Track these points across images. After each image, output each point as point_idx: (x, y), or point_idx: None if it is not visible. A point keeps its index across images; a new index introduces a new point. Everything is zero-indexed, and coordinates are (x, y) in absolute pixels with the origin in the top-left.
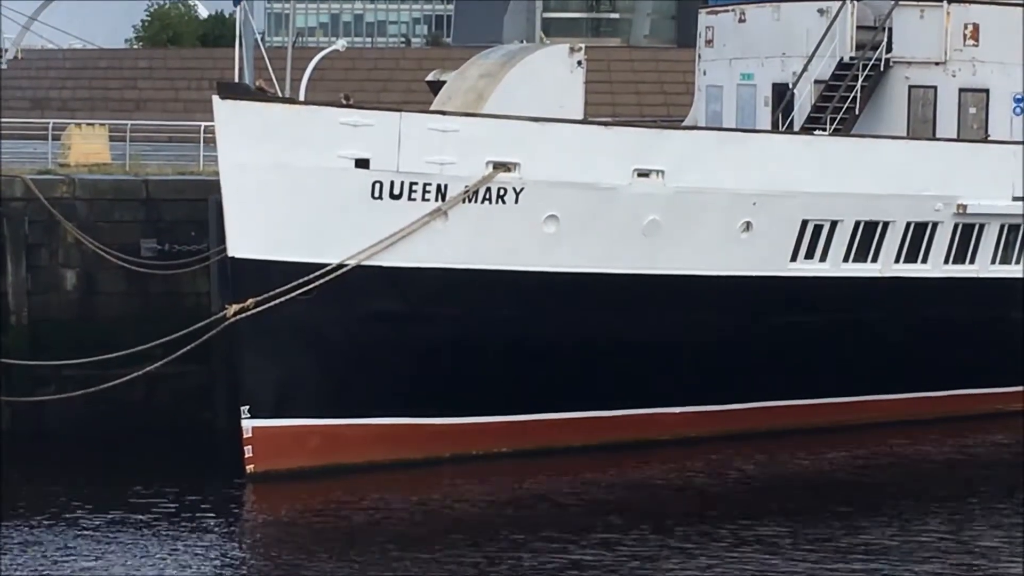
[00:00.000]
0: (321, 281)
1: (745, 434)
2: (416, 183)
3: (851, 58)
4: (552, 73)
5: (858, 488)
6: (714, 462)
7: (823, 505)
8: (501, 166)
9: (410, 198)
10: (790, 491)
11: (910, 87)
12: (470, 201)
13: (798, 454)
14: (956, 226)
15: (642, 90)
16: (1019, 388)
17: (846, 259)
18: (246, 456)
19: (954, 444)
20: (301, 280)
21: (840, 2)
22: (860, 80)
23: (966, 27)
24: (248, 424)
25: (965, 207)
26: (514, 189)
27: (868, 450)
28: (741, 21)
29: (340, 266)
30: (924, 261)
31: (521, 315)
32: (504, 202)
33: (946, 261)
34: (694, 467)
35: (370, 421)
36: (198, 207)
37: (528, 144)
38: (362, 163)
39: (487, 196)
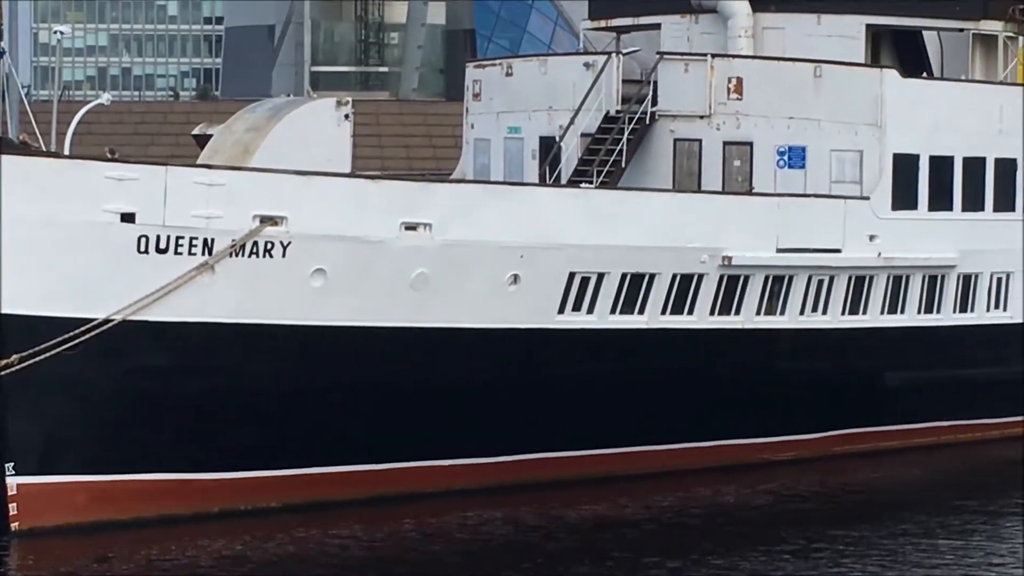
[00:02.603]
0: (87, 336)
1: (515, 485)
2: (182, 237)
3: (617, 111)
4: (319, 127)
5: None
6: (473, 516)
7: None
8: (268, 220)
9: (176, 252)
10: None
11: (675, 140)
12: (237, 255)
13: (577, 505)
14: (721, 277)
15: (411, 143)
16: (785, 438)
17: (613, 311)
18: (11, 514)
19: (715, 494)
20: (67, 335)
21: (606, 56)
22: (626, 133)
23: (730, 81)
24: (12, 481)
25: (730, 259)
26: (281, 243)
27: (632, 499)
28: (508, 75)
29: (106, 321)
30: (690, 312)
31: (289, 369)
32: (271, 256)
33: (712, 312)
34: (450, 522)
35: (138, 477)
36: None
37: (295, 198)
38: (128, 217)
39: (254, 250)
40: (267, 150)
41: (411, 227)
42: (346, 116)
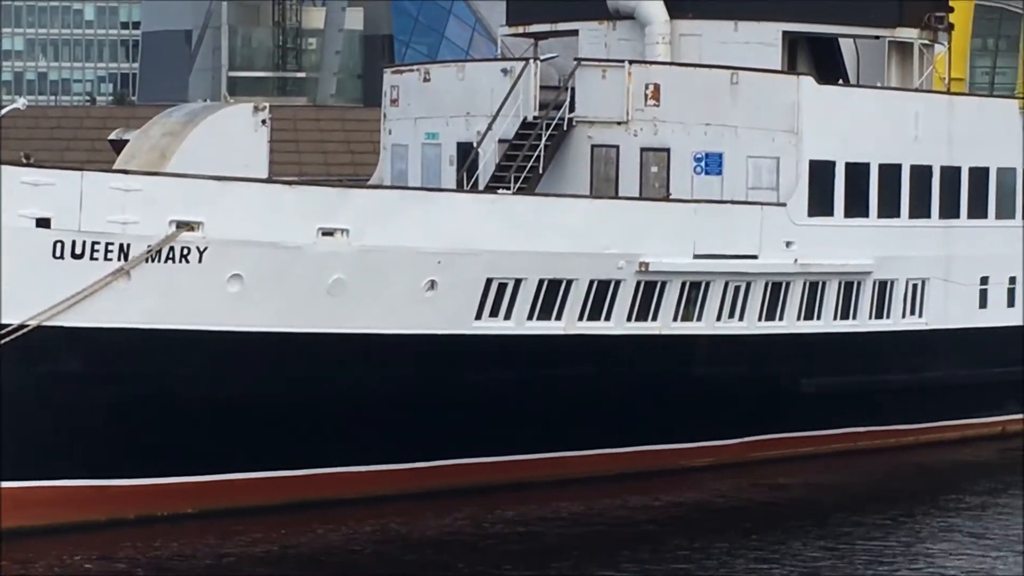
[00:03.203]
0: (2, 342)
1: (432, 491)
2: (98, 243)
3: (535, 117)
4: (236, 132)
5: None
6: (396, 522)
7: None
8: (184, 225)
9: (92, 258)
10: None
11: (593, 146)
12: (153, 261)
13: (489, 511)
14: (638, 284)
15: (329, 149)
16: (702, 444)
17: (530, 317)
18: None
19: (637, 501)
20: None
21: (523, 62)
22: (544, 139)
23: (647, 87)
24: None
25: (647, 265)
26: (198, 248)
27: (540, 506)
28: (426, 80)
29: (22, 326)
30: (607, 319)
31: (206, 375)
32: (188, 261)
33: (629, 318)
34: (371, 527)
35: (54, 483)
36: None
37: (211, 203)
38: (43, 222)
39: (170, 256)
40: (184, 155)
41: (328, 233)
42: (263, 121)
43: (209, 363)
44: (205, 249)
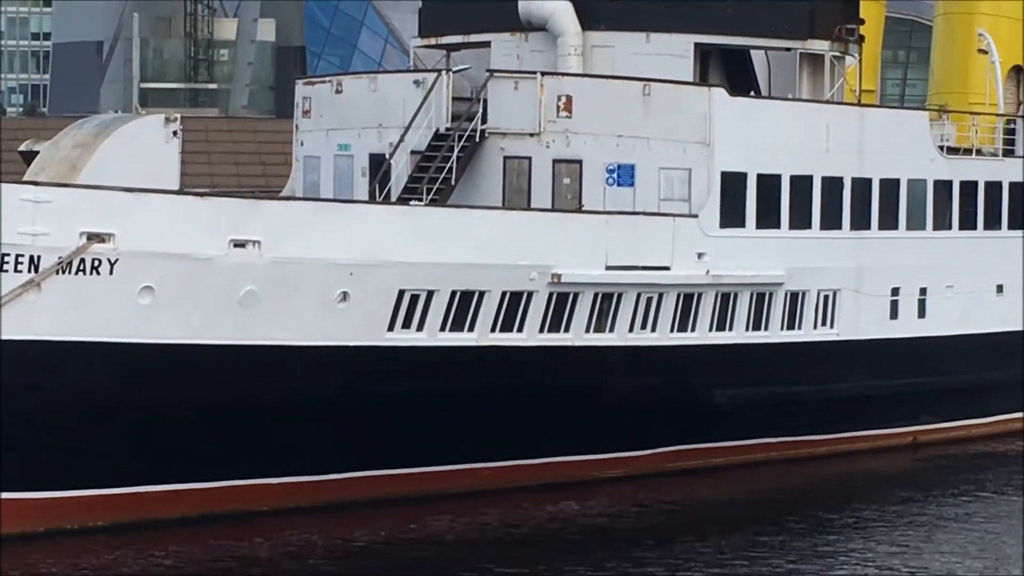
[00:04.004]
0: None
1: (345, 503)
2: (8, 255)
3: (447, 129)
4: (147, 143)
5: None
6: (322, 531)
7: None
8: (95, 237)
9: (2, 270)
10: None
11: (505, 158)
12: (64, 272)
13: (401, 523)
14: (551, 295)
15: (241, 160)
16: (615, 455)
17: (443, 328)
18: None
19: (549, 512)
20: None
21: (435, 73)
22: (456, 151)
23: (559, 99)
24: None
25: (559, 276)
26: (109, 260)
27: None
28: (338, 92)
29: None
30: (520, 330)
31: (117, 387)
32: (99, 273)
33: (541, 330)
34: (289, 538)
35: None
36: None
37: (122, 215)
38: None
39: (81, 267)
40: (95, 167)
41: (240, 244)
42: (174, 133)
43: (120, 375)
44: (116, 261)
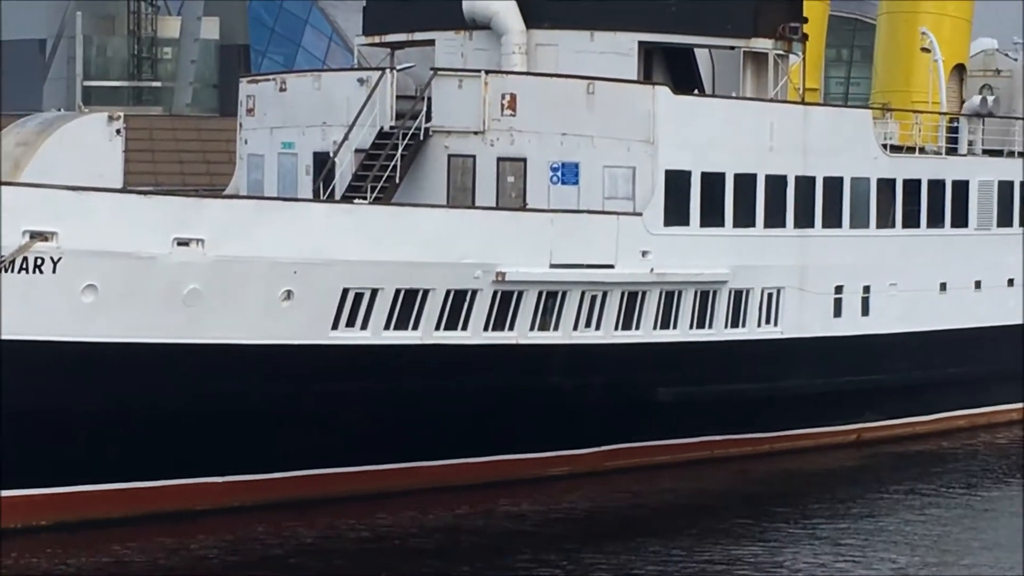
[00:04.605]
0: None
1: (296, 501)
2: None
3: (391, 127)
4: (90, 142)
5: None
6: (265, 529)
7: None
8: (38, 235)
9: None
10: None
11: (449, 156)
12: (7, 271)
13: (346, 520)
14: (495, 293)
15: (185, 159)
16: (559, 453)
17: (387, 327)
18: None
19: (494, 510)
20: None
21: (380, 72)
22: (400, 149)
23: (504, 97)
24: None
25: (504, 275)
26: (52, 259)
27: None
28: (282, 90)
29: None
30: (464, 328)
31: (60, 386)
32: (42, 272)
33: (486, 328)
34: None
35: None
36: None
37: (66, 213)
38: None
39: (24, 266)
40: (37, 165)
41: (183, 243)
42: (118, 131)
43: (63, 374)
44: (59, 259)
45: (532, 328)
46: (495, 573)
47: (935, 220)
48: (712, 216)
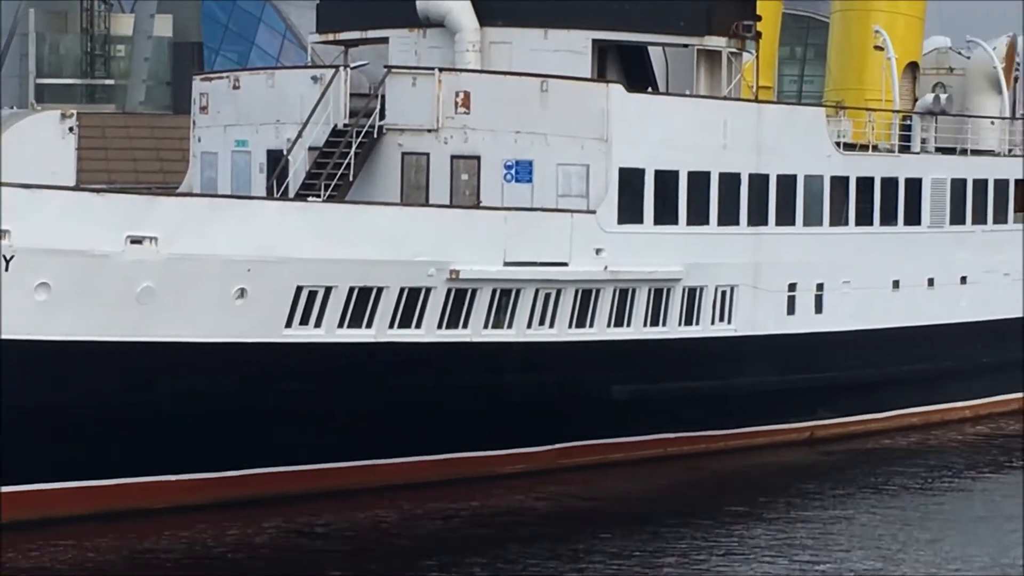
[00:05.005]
0: None
1: (252, 499)
2: None
3: (345, 125)
4: (42, 139)
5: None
6: (219, 528)
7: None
8: None
9: None
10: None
11: (403, 154)
12: None
13: (299, 519)
14: (449, 291)
15: (138, 156)
16: (514, 451)
17: (341, 325)
18: None
19: (447, 508)
20: None
21: (333, 69)
22: (354, 147)
23: (457, 95)
24: None
25: (457, 272)
26: (4, 257)
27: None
28: (235, 88)
29: None
30: (418, 326)
31: (14, 384)
32: None
33: (440, 326)
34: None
35: None
36: None
37: (18, 211)
38: None
39: None
40: None
41: (137, 241)
42: (70, 129)
43: (17, 373)
44: (12, 257)
45: (486, 326)
46: (456, 571)
47: (888, 218)
48: (666, 214)
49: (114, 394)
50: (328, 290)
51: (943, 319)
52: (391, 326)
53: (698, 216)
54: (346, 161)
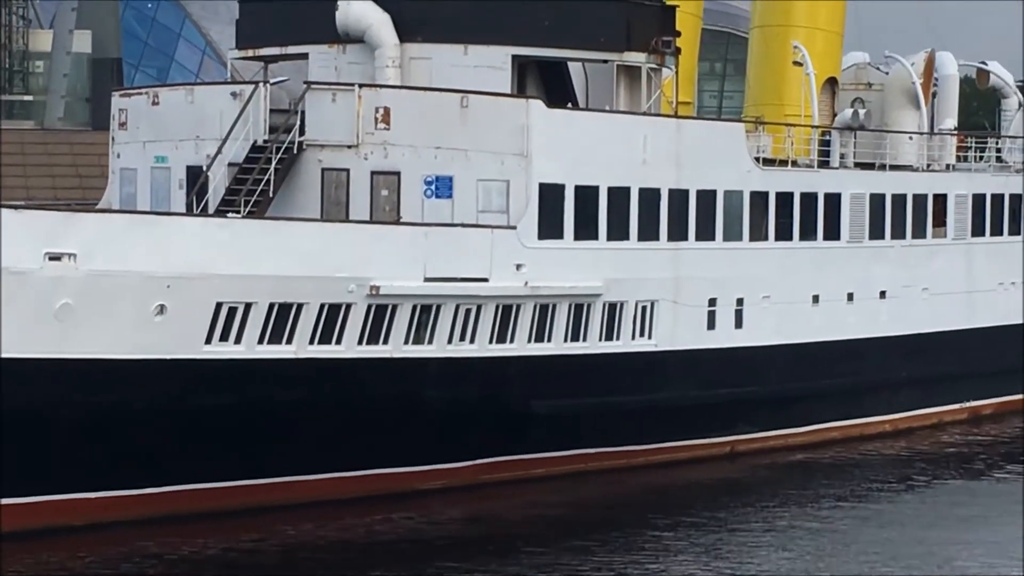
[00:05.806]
0: None
1: (161, 517)
2: None
3: (265, 141)
4: None
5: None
6: (132, 548)
7: None
8: None
9: None
10: None
11: (323, 170)
12: None
13: (217, 536)
14: (369, 307)
15: (57, 173)
16: (434, 467)
17: (261, 341)
18: None
19: (363, 525)
20: None
21: (253, 85)
22: (274, 163)
23: (378, 111)
24: None
25: (378, 288)
26: None
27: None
28: (155, 104)
29: None
30: (338, 342)
31: None
32: None
33: (360, 342)
34: (113, 552)
35: None
36: None
37: None
38: None
39: None
40: None
41: (55, 257)
42: None
43: None
44: None
45: (406, 342)
46: None
47: (808, 233)
48: (586, 229)
49: (32, 411)
50: (248, 306)
51: (862, 334)
52: (311, 342)
53: (618, 231)
54: (266, 177)
